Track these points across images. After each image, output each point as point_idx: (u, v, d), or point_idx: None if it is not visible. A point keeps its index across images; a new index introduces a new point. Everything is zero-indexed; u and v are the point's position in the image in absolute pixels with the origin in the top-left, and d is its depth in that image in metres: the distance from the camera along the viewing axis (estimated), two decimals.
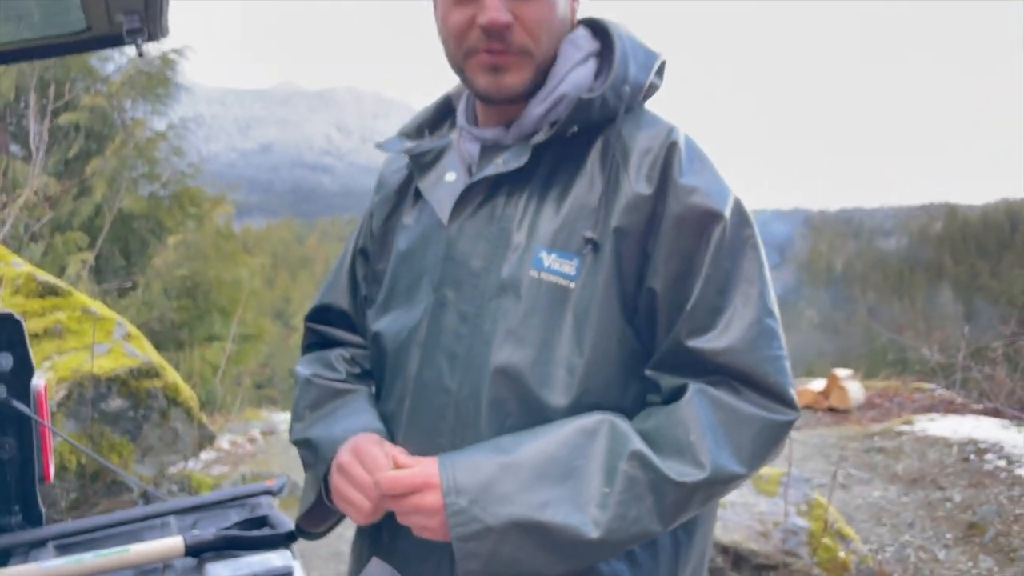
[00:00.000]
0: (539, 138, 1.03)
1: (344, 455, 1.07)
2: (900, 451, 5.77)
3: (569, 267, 1.01)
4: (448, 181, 1.11)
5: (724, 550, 3.11)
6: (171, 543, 1.84)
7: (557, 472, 0.94)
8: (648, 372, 1.04)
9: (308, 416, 1.21)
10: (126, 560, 1.79)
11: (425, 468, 0.97)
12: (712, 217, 1.00)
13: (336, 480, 1.07)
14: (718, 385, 1.00)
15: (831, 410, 7.84)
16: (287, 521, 2.02)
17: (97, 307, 4.21)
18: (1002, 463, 5.26)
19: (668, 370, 1.02)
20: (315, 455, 1.16)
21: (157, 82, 7.83)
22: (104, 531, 1.96)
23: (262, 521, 1.99)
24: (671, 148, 1.02)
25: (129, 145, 7.38)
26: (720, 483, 0.97)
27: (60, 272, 5.13)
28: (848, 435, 6.29)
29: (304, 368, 1.28)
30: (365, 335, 1.27)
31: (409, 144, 1.17)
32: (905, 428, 6.31)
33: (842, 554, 3.20)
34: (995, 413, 6.57)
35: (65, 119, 7.09)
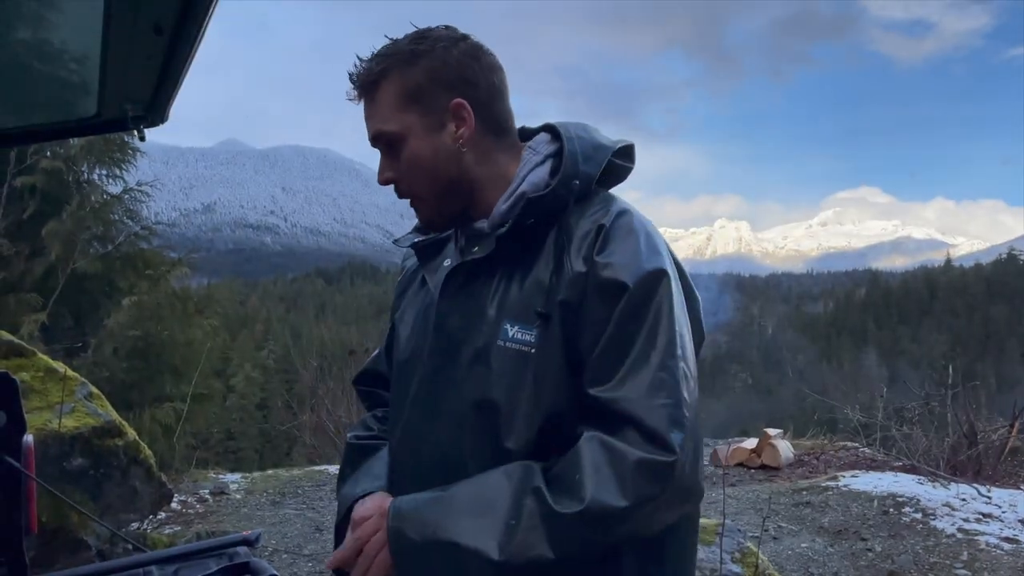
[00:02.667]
0: (501, 231, 1.27)
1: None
2: (826, 505, 6.09)
3: (529, 335, 1.23)
4: (445, 266, 1.36)
5: None
6: None
7: (479, 507, 1.16)
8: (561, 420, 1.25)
9: (349, 474, 1.47)
10: None
11: (378, 503, 1.30)
12: (618, 287, 1.20)
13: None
14: (613, 431, 1.16)
15: (763, 467, 8.16)
16: (267, 567, 2.19)
17: (60, 367, 4.32)
18: (918, 516, 5.63)
19: (580, 419, 1.22)
20: (339, 511, 1.43)
21: (115, 147, 7.96)
22: None
23: (243, 568, 2.15)
24: (599, 230, 1.23)
25: (85, 208, 7.47)
26: (598, 513, 1.11)
27: (13, 332, 5.19)
28: (778, 490, 6.61)
29: (351, 432, 1.57)
30: None
31: (418, 239, 1.43)
32: (831, 484, 6.65)
33: None
34: (912, 470, 6.98)
35: (21, 182, 7.17)
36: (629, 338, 1.20)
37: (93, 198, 7.81)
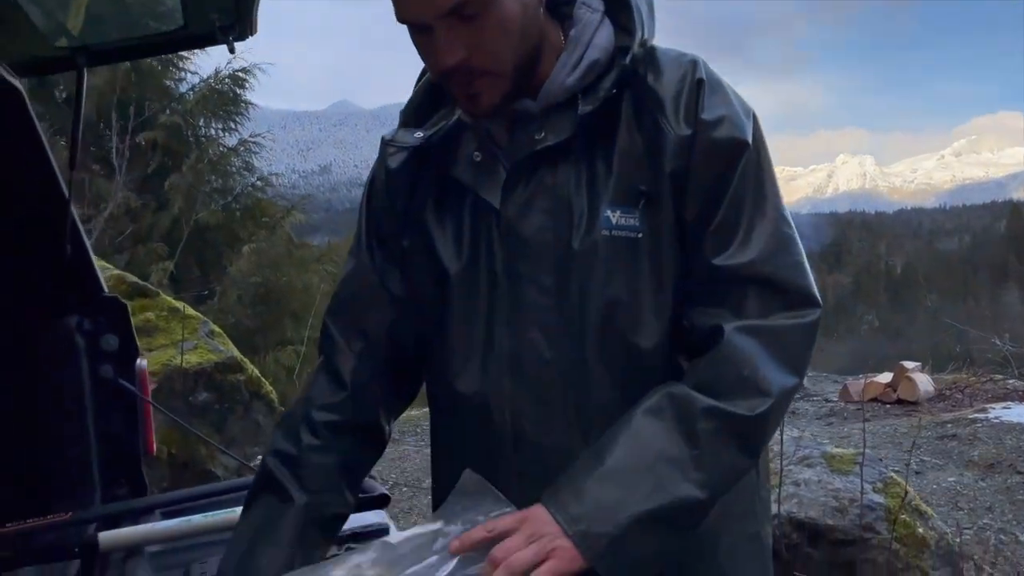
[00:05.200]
0: (586, 108, 1.05)
1: None
2: (975, 438, 5.64)
3: (633, 219, 1.05)
4: (476, 161, 1.12)
5: (800, 526, 3.12)
6: None
7: (646, 460, 0.99)
8: (686, 314, 1.07)
9: (250, 508, 1.21)
10: (232, 521, 1.92)
11: (535, 519, 0.99)
12: (734, 145, 1.04)
13: None
14: (748, 301, 1.04)
15: (899, 402, 7.66)
16: (379, 486, 2.13)
17: (181, 305, 4.44)
18: None
19: (701, 301, 1.06)
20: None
21: (228, 100, 8.16)
22: (208, 499, 2.10)
23: None
24: (697, 85, 1.05)
25: (203, 161, 7.70)
26: (785, 400, 1.03)
27: (143, 280, 5.42)
28: (919, 424, 6.16)
29: (275, 435, 1.25)
30: (394, 323, 1.23)
31: (420, 134, 1.16)
32: (978, 416, 6.16)
33: (920, 531, 3.17)
34: None
35: (144, 137, 7.45)
36: (746, 198, 1.06)
37: (211, 151, 8.05)
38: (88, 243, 2.26)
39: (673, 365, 1.09)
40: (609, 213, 1.06)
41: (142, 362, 2.41)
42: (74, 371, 2.22)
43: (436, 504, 1.28)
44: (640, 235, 1.06)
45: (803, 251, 1.08)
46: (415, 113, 1.20)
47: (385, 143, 1.23)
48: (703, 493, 0.98)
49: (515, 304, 1.10)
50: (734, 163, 1.05)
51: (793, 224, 1.09)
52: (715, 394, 1.00)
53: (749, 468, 1.05)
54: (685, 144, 1.04)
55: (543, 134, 1.07)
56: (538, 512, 1.00)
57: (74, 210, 2.15)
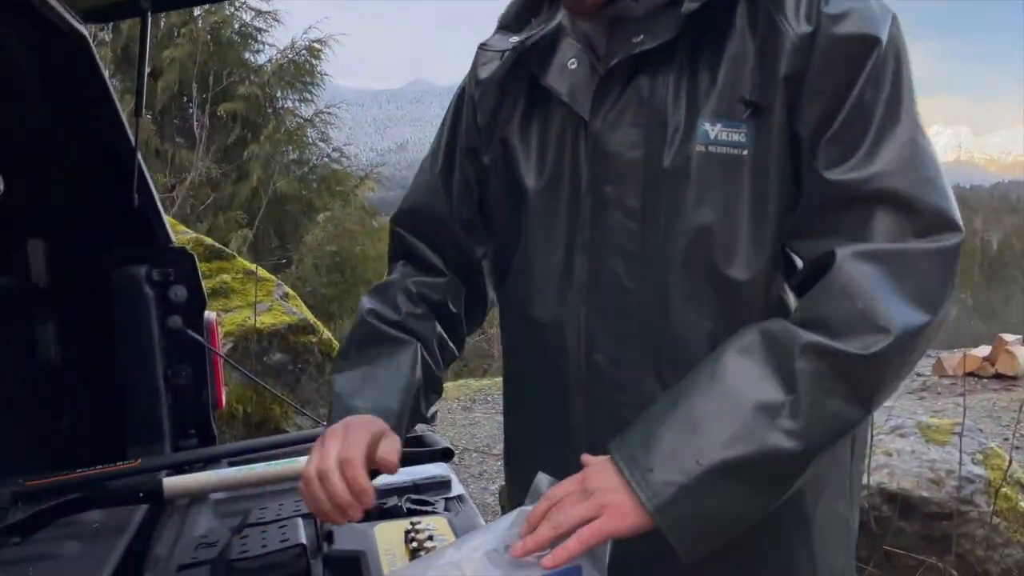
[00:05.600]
0: (691, 6, 0.92)
1: (331, 457, 0.96)
2: None
3: (737, 133, 0.92)
4: (571, 69, 1.02)
5: (892, 498, 2.94)
6: None
7: (731, 404, 0.86)
8: (788, 243, 0.94)
9: (352, 354, 1.12)
10: (295, 471, 1.89)
11: (597, 472, 0.89)
12: (864, 41, 0.89)
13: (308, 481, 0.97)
14: (868, 230, 0.88)
15: (997, 376, 7.26)
16: (442, 440, 2.07)
17: (254, 267, 4.48)
18: None
19: (812, 226, 0.91)
20: (332, 409, 1.07)
21: (303, 71, 8.24)
22: (272, 450, 2.08)
23: (418, 441, 2.07)
24: None
25: (280, 131, 7.81)
26: (911, 341, 0.85)
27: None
28: (1020, 399, 5.79)
29: (367, 301, 1.16)
30: (462, 244, 1.17)
31: (515, 39, 1.07)
32: None
33: (1023, 504, 2.95)
34: None
35: (224, 108, 7.60)
36: (876, 102, 0.90)
37: (288, 122, 8.15)
38: (155, 192, 2.25)
39: (773, 303, 0.95)
40: (708, 126, 0.93)
41: (211, 315, 2.41)
42: (144, 321, 2.22)
43: (508, 463, 1.21)
44: (744, 152, 0.92)
45: (940, 169, 0.91)
46: (514, 18, 1.11)
47: (479, 49, 1.15)
48: (796, 444, 0.83)
49: (597, 227, 1.00)
50: (862, 62, 0.89)
51: (930, 139, 0.92)
52: (822, 331, 0.85)
53: (858, 421, 0.89)
54: (805, 43, 0.90)
55: (642, 36, 0.95)
56: (601, 464, 0.89)
57: (140, 158, 2.13)
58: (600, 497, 0.85)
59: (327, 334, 4.46)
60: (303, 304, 4.54)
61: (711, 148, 0.93)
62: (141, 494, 1.74)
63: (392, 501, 1.61)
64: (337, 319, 7.22)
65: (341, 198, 7.85)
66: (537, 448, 1.10)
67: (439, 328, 1.15)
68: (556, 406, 1.04)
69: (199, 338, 2.30)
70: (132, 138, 2.10)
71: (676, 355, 0.95)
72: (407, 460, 1.94)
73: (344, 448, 0.94)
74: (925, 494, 2.92)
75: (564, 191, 1.03)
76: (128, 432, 2.21)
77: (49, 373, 2.23)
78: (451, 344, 1.18)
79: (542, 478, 0.96)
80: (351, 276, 7.61)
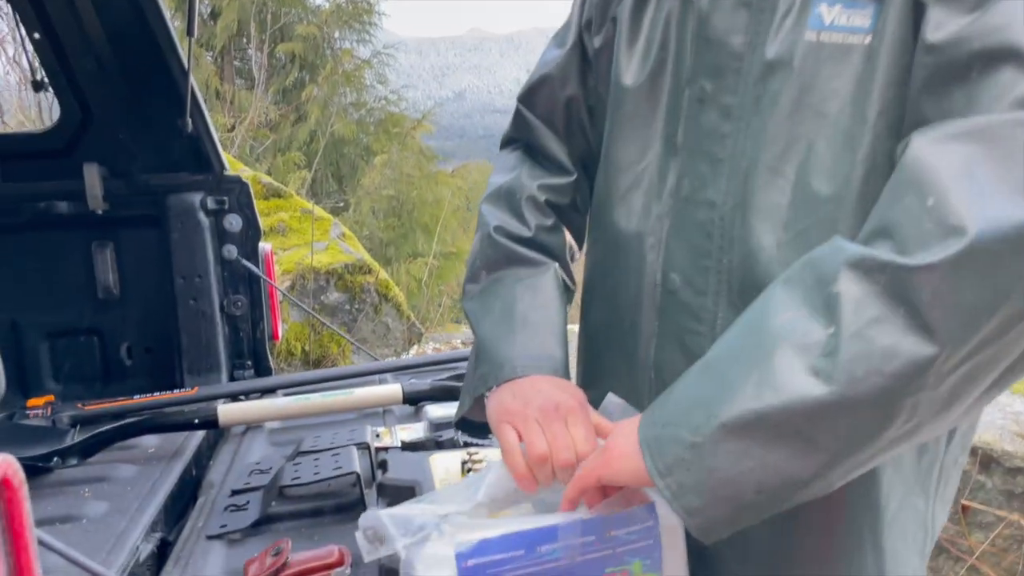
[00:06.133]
0: None
1: (515, 406, 0.87)
2: None
3: (862, 18, 0.77)
4: None
5: (972, 451, 2.79)
6: (391, 389, 1.89)
7: (760, 344, 0.71)
8: (891, 152, 0.77)
9: (483, 279, 1.01)
10: (349, 402, 1.86)
11: (621, 430, 0.81)
12: None
13: (503, 432, 0.87)
14: (966, 101, 0.68)
15: None
16: None
17: (311, 206, 4.46)
18: None
19: (910, 118, 0.74)
20: (479, 362, 0.96)
21: (361, 11, 8.13)
22: (329, 382, 2.05)
23: (463, 377, 2.01)
24: None
25: (338, 72, 7.74)
26: (999, 244, 0.62)
27: None
28: None
29: (490, 211, 1.04)
30: (587, 129, 1.05)
31: None
32: None
33: None
34: None
35: (282, 49, 7.55)
36: None
37: (345, 63, 8.08)
38: (209, 120, 2.19)
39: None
40: (823, 8, 0.78)
41: (266, 246, 2.37)
42: (199, 248, 2.19)
43: (579, 379, 1.10)
44: (865, 39, 0.77)
45: None
46: None
47: None
48: (832, 391, 0.65)
49: (690, 131, 0.88)
50: None
51: None
52: (883, 241, 0.67)
53: (924, 362, 0.64)
54: None
55: None
56: (629, 422, 0.81)
57: (193, 82, 2.08)
58: (609, 450, 0.80)
59: (383, 274, 4.43)
60: (359, 244, 4.51)
61: (823, 36, 0.78)
62: (197, 421, 1.72)
63: (447, 434, 1.55)
64: (394, 263, 7.22)
65: (398, 140, 7.78)
66: (606, 366, 1.01)
67: (568, 237, 1.05)
68: (628, 323, 0.95)
69: (254, 268, 2.26)
70: (185, 62, 2.04)
71: (752, 283, 0.83)
72: (458, 396, 1.91)
73: (583, 442, 0.84)
74: (1008, 448, 2.76)
75: (665, 84, 0.91)
76: (185, 361, 2.20)
77: (107, 300, 2.23)
78: (578, 252, 1.08)
79: (611, 399, 0.90)
80: (408, 221, 7.58)
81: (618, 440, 0.79)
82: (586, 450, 0.82)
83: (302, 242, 4.19)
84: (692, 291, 0.88)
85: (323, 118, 7.47)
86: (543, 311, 0.96)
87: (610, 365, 1.00)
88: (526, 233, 1.01)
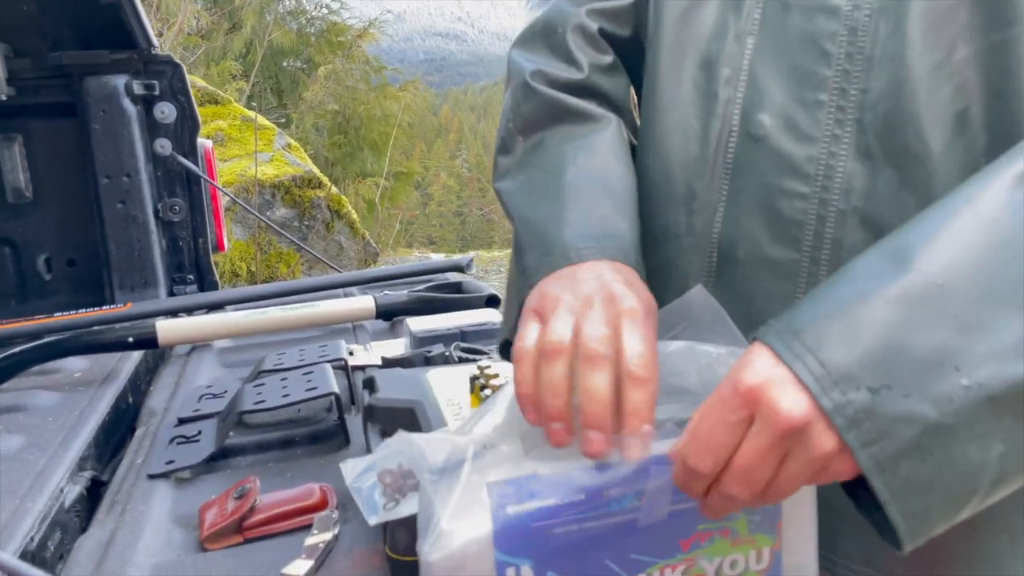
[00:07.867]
0: None
1: (554, 291, 0.59)
2: None
3: None
4: None
5: None
6: (362, 301, 1.62)
7: (1011, 274, 0.47)
8: None
9: (520, 146, 0.75)
10: (314, 316, 1.58)
11: (745, 374, 0.48)
12: None
13: (521, 326, 0.59)
14: None
15: None
16: (484, 287, 1.76)
17: (253, 115, 4.08)
18: None
19: None
20: (522, 254, 0.68)
21: None
22: (287, 297, 1.78)
23: (455, 288, 1.76)
24: None
25: None
26: None
27: None
28: None
29: (522, 55, 0.77)
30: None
31: None
32: None
33: None
34: None
35: None
36: None
37: None
38: None
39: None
40: None
41: (206, 142, 2.05)
42: (126, 142, 1.87)
43: None
44: None
45: None
46: None
47: None
48: None
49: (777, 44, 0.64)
50: None
51: None
52: None
53: None
54: None
55: None
56: (756, 352, 0.49)
57: None
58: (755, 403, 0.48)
59: (333, 188, 4.10)
60: (306, 155, 4.16)
61: None
62: (131, 339, 1.43)
63: (437, 349, 1.30)
64: (342, 183, 6.83)
65: (342, 51, 7.30)
66: (648, 245, 0.74)
67: (630, 81, 0.77)
68: (683, 188, 0.70)
69: (192, 167, 1.95)
70: None
71: (900, 123, 0.59)
72: (450, 307, 1.66)
73: (636, 354, 0.54)
74: None
75: None
76: (115, 275, 1.90)
77: (18, 205, 1.90)
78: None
79: (697, 295, 0.61)
80: (355, 138, 7.17)
81: (772, 389, 0.47)
82: (639, 367, 0.53)
83: (243, 152, 3.83)
84: (792, 137, 0.63)
85: (259, 26, 6.93)
86: (604, 179, 0.69)
87: (653, 244, 0.73)
88: (577, 76, 0.73)
